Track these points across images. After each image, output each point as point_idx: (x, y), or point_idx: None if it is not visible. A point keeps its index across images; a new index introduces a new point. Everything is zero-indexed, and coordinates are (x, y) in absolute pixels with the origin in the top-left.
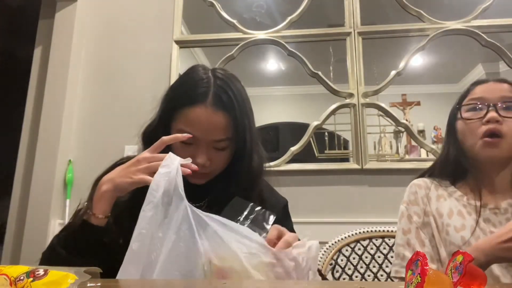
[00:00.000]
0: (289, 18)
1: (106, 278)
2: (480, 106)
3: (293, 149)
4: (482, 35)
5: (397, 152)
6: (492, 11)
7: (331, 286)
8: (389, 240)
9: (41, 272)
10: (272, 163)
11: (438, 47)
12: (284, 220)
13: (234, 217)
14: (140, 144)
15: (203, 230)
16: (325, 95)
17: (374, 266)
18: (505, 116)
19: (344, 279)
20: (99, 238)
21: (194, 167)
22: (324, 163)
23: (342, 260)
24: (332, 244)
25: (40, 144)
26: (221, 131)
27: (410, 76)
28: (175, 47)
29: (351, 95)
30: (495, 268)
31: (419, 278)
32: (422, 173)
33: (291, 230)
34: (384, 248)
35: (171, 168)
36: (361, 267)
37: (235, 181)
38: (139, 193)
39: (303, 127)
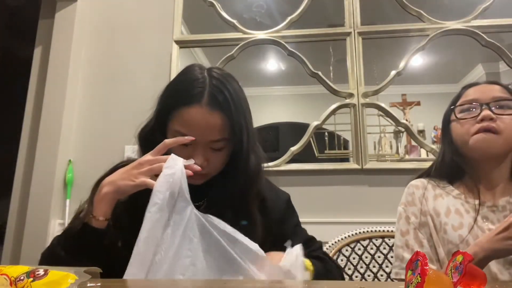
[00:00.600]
0: (289, 18)
1: (106, 278)
2: (473, 106)
3: (293, 149)
4: (482, 35)
5: (397, 152)
6: (492, 11)
7: (331, 286)
8: (389, 240)
9: (41, 272)
10: (272, 163)
11: (438, 47)
12: (288, 215)
13: None
14: (137, 144)
15: (208, 236)
16: (325, 95)
17: (374, 266)
18: (499, 114)
19: (344, 279)
20: (99, 241)
21: (197, 168)
22: (324, 163)
23: (342, 260)
24: (332, 244)
25: (40, 144)
26: (217, 132)
27: (410, 76)
28: (175, 47)
29: (351, 95)
30: (493, 266)
31: (419, 278)
32: (420, 174)
33: (296, 224)
34: (384, 248)
35: (175, 169)
36: (361, 267)
37: (232, 182)
38: (138, 194)
39: (303, 127)
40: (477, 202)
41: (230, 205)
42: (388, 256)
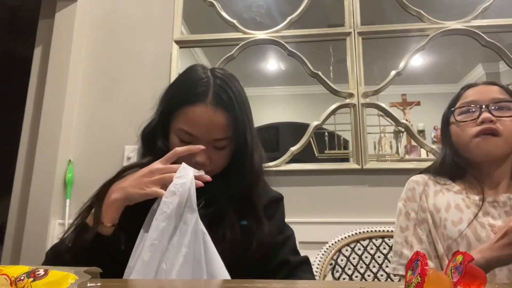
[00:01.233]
0: (289, 18)
1: (106, 278)
2: (473, 108)
3: (293, 149)
4: (482, 35)
5: (397, 152)
6: (492, 11)
7: (331, 286)
8: (389, 240)
9: (41, 272)
10: (272, 163)
11: (438, 47)
12: (273, 212)
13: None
14: (139, 143)
15: (206, 250)
16: (325, 95)
17: (374, 266)
18: (498, 116)
19: (344, 279)
20: (105, 247)
21: (208, 178)
22: (324, 163)
23: (342, 260)
24: (332, 244)
25: (40, 144)
26: (221, 130)
27: (410, 76)
28: (175, 47)
29: (351, 95)
30: None
31: (419, 278)
32: (421, 171)
33: (279, 221)
34: (384, 248)
35: (186, 179)
36: (361, 267)
37: (235, 180)
38: (145, 201)
39: (303, 127)
40: (477, 197)
41: (232, 203)
42: (388, 256)
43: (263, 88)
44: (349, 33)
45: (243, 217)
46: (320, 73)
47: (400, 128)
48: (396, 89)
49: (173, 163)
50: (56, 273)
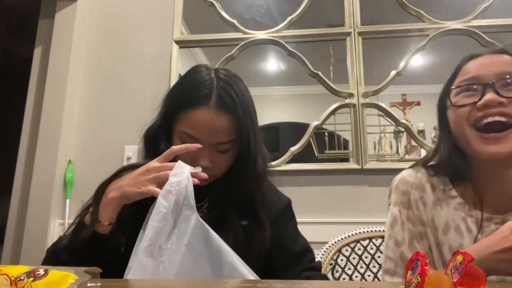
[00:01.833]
0: (289, 18)
1: (106, 278)
2: (474, 86)
3: (293, 149)
4: (482, 35)
5: (397, 152)
6: (492, 11)
7: (331, 286)
8: None
9: (41, 272)
10: (272, 163)
11: (438, 47)
12: (286, 220)
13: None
14: (142, 145)
15: (210, 246)
16: (325, 95)
17: (374, 266)
18: (507, 96)
19: (344, 279)
20: (103, 245)
21: (204, 175)
22: (324, 163)
23: (342, 260)
24: (332, 244)
25: (40, 144)
26: (224, 134)
27: (410, 76)
28: (175, 47)
29: (351, 95)
30: None
31: (419, 278)
32: (415, 163)
33: (294, 230)
34: None
35: (182, 177)
36: (361, 267)
37: (239, 183)
38: (143, 199)
39: (303, 127)
40: (480, 217)
41: (235, 206)
42: None
43: (263, 88)
44: (349, 33)
45: (245, 220)
46: (320, 73)
47: (400, 128)
48: (396, 89)
49: (171, 161)
50: (56, 273)
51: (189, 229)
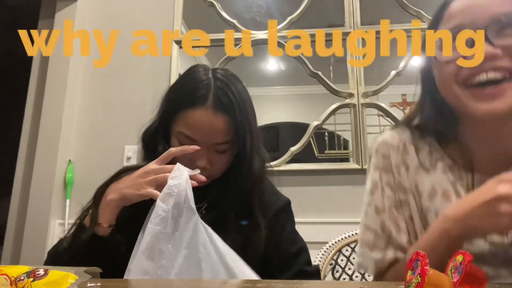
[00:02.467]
0: (289, 18)
1: (106, 278)
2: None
3: (293, 149)
4: None
5: None
6: None
7: (331, 286)
8: None
9: (41, 272)
10: (272, 163)
11: None
12: (285, 221)
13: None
14: (140, 146)
15: (212, 248)
16: (325, 95)
17: None
18: (502, 45)
19: (344, 279)
20: (103, 247)
21: (202, 178)
22: (324, 163)
23: (342, 260)
24: (332, 244)
25: (40, 144)
26: (221, 134)
27: (410, 76)
28: (175, 47)
29: (351, 95)
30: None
31: (419, 278)
32: (399, 123)
33: (291, 231)
34: None
35: (181, 180)
36: None
37: (236, 184)
38: (142, 201)
39: (303, 127)
40: (471, 180)
41: (233, 207)
42: None
43: (263, 88)
44: (349, 33)
45: (242, 221)
46: (320, 73)
47: None
48: (396, 89)
49: (169, 163)
50: (56, 273)
51: (190, 231)
